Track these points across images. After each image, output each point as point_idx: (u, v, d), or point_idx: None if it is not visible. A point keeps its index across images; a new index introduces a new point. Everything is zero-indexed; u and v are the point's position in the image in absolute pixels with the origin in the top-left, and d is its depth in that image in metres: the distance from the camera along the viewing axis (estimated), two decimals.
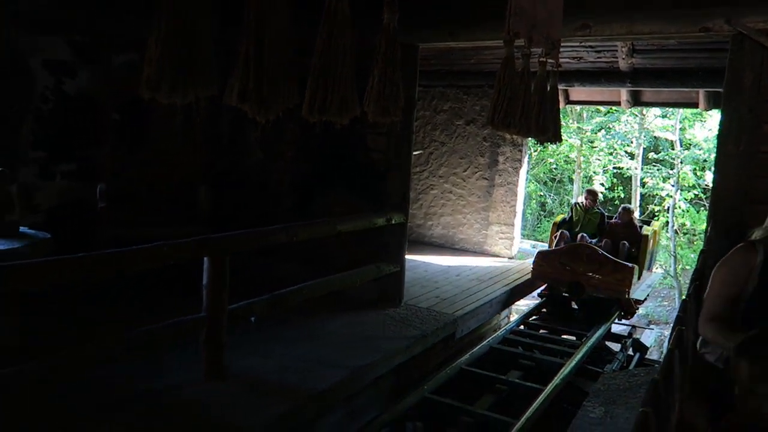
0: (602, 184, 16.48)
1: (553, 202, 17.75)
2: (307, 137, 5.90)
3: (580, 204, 7.92)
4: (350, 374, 3.98)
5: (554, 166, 17.57)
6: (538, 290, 7.49)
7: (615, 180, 16.89)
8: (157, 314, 3.53)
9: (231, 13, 2.41)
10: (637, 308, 7.41)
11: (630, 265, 6.73)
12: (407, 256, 5.84)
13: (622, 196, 17.19)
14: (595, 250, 6.83)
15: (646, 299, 7.81)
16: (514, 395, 4.88)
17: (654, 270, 8.60)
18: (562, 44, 3.85)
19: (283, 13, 1.81)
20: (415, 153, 7.48)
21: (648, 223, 8.11)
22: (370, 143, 5.67)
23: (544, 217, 17.71)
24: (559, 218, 8.21)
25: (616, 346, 6.69)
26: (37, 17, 4.77)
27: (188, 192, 5.60)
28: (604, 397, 3.98)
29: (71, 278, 2.78)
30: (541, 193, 17.24)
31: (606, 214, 7.99)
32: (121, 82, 5.29)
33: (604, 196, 16.75)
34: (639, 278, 7.06)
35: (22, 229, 3.98)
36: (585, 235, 7.43)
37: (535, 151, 15.88)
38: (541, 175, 17.67)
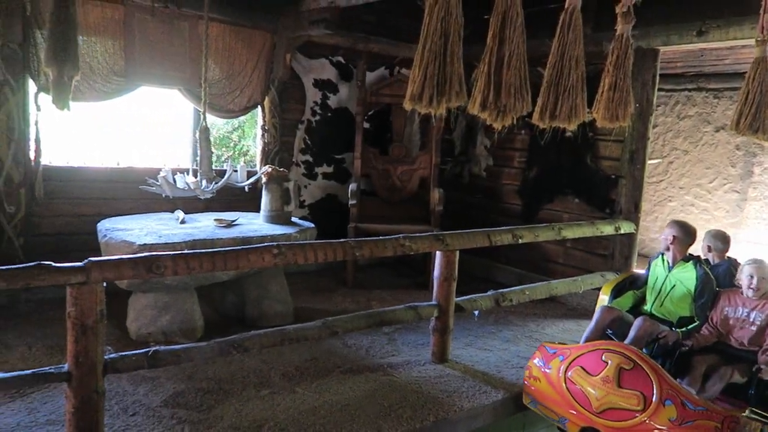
0: None
1: None
2: (536, 144, 6.03)
3: (667, 255, 4.08)
4: None
5: None
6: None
7: None
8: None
9: (475, 33, 2.73)
10: None
11: (729, 414, 2.88)
12: (638, 270, 5.58)
13: None
14: (643, 363, 3.11)
15: None
16: None
17: None
18: None
19: (520, 30, 2.06)
20: (652, 162, 7.03)
21: None
22: (601, 150, 5.59)
23: None
24: (621, 277, 4.56)
25: None
26: (311, 44, 5.76)
27: (423, 193, 6.19)
28: None
29: (334, 257, 3.40)
30: None
31: (727, 273, 4.03)
32: (371, 96, 6.11)
33: None
34: None
35: (293, 219, 4.90)
36: (656, 317, 3.95)
37: None
38: None
